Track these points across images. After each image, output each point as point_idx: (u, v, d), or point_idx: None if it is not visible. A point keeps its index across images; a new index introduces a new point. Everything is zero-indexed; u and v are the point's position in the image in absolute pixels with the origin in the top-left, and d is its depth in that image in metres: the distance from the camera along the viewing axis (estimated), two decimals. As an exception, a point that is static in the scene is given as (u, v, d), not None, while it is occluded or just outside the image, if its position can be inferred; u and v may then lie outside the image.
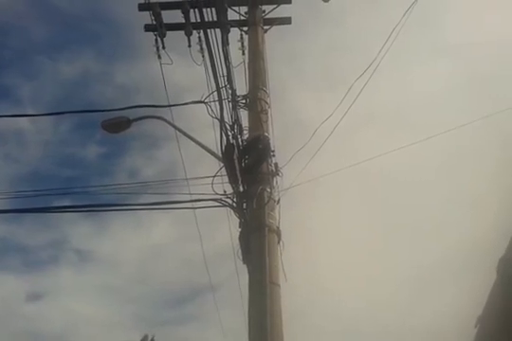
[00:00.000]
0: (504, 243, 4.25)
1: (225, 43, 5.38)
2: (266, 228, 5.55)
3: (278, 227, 5.75)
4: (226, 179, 5.91)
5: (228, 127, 5.80)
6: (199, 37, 6.91)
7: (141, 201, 6.29)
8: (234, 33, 7.53)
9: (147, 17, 6.90)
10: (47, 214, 6.28)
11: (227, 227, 7.13)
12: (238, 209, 5.83)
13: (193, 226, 8.72)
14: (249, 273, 5.48)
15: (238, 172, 5.78)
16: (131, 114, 6.50)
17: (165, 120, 6.63)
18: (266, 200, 5.72)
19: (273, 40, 7.70)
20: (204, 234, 9.15)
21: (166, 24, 7.02)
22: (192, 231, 8.97)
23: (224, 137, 5.64)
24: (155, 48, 7.33)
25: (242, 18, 7.70)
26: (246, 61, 7.18)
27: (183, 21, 6.38)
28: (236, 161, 5.79)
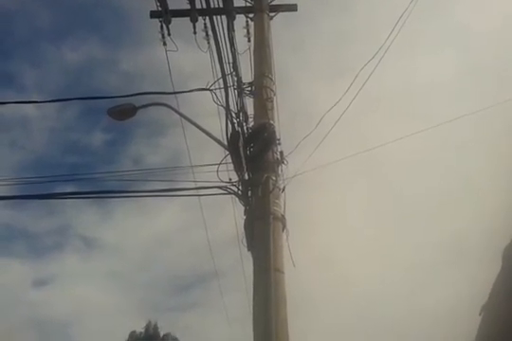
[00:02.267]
0: (510, 232, 4.25)
1: (230, 29, 5.35)
2: (271, 216, 5.56)
3: (283, 215, 5.76)
4: (231, 167, 5.92)
5: (234, 115, 5.79)
6: (205, 24, 6.87)
7: (146, 188, 6.32)
8: (240, 20, 7.47)
9: (152, 3, 6.86)
10: (52, 201, 6.31)
11: (231, 215, 7.16)
12: (243, 197, 5.85)
13: (198, 214, 8.76)
14: (254, 260, 5.51)
15: (243, 160, 5.78)
16: (136, 101, 6.49)
17: (170, 107, 6.61)
18: (271, 188, 5.72)
19: (279, 27, 7.65)
20: (209, 221, 9.20)
21: (171, 10, 6.95)
22: (197, 218, 9.02)
23: (229, 125, 5.64)
24: (160, 35, 7.30)
25: (248, 5, 7.65)
26: (252, 48, 7.13)
27: (188, 7, 6.33)
28: (241, 149, 5.78)
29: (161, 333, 26.55)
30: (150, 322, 26.67)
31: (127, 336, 26.03)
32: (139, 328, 26.37)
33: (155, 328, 26.69)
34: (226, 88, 5.36)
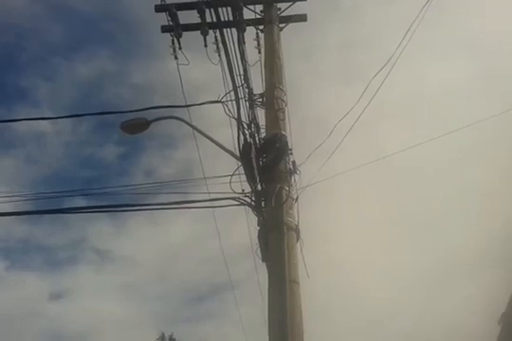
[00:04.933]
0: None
1: (241, 42, 5.39)
2: (285, 226, 5.55)
3: (297, 225, 5.75)
4: (244, 178, 5.93)
5: (246, 126, 5.81)
6: (215, 37, 6.92)
7: (159, 200, 6.34)
8: (250, 32, 7.52)
9: (163, 16, 6.94)
10: (67, 214, 6.36)
11: (245, 226, 7.16)
12: (256, 208, 5.85)
13: (212, 225, 8.77)
14: (269, 271, 5.49)
15: (256, 171, 5.79)
16: (148, 114, 6.55)
17: (183, 120, 6.66)
18: (285, 198, 5.72)
19: (289, 37, 7.68)
20: (222, 232, 9.20)
21: (182, 24, 7.04)
22: (211, 230, 9.02)
23: (241, 136, 5.66)
24: (171, 49, 7.36)
25: (257, 16, 7.70)
26: (263, 59, 7.17)
27: (199, 21, 6.39)
28: (254, 160, 5.80)
29: (177, 345, 26.48)
30: (163, 334, 26.61)
31: (143, 348, 26.00)
32: (154, 339, 26.34)
33: (172, 339, 26.63)
34: (237, 100, 5.39)
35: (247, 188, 5.89)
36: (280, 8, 7.73)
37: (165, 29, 7.40)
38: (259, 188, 5.86)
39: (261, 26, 7.61)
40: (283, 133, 6.26)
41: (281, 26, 7.53)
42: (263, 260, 5.73)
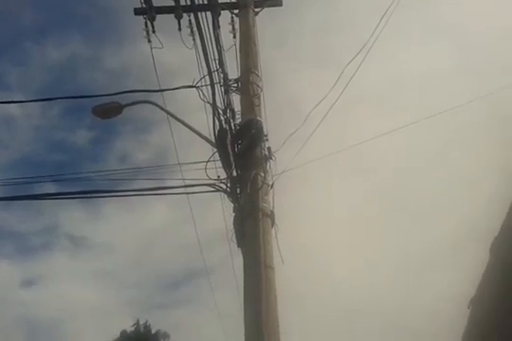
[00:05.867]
0: (497, 225, 4.27)
1: (216, 26, 5.33)
2: (260, 212, 5.56)
3: (272, 211, 5.76)
4: (219, 164, 5.90)
5: (221, 111, 5.77)
6: (189, 20, 6.83)
7: (134, 186, 6.28)
8: (225, 16, 7.43)
9: (136, 0, 6.80)
10: (39, 201, 6.25)
11: (221, 212, 7.14)
12: (232, 194, 5.83)
13: (187, 211, 8.73)
14: (244, 256, 5.50)
15: (231, 157, 5.76)
16: (121, 98, 6.44)
17: (157, 105, 6.57)
18: (260, 184, 5.72)
19: (264, 22, 7.61)
20: (198, 218, 9.17)
21: (156, 7, 6.91)
22: (186, 216, 8.98)
23: (216, 122, 5.61)
24: (144, 32, 7.24)
25: (232, 0, 7.60)
26: (238, 44, 7.10)
27: (173, 4, 6.28)
28: (229, 146, 5.76)
29: (153, 331, 26.49)
30: (138, 321, 26.56)
31: (118, 335, 25.94)
32: (129, 326, 26.29)
33: (146, 326, 26.60)
34: (212, 85, 5.33)
35: (223, 175, 5.87)
36: (255, -7, 7.63)
37: (138, 12, 7.27)
38: (234, 174, 5.84)
39: (236, 11, 7.51)
40: (259, 118, 6.23)
41: (256, 10, 7.45)
42: (238, 246, 5.74)
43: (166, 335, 26.30)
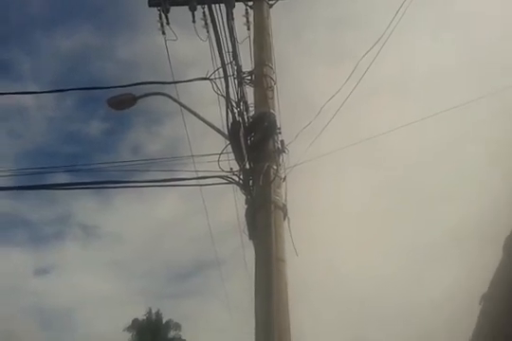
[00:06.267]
0: (510, 223, 4.24)
1: (230, 18, 5.31)
2: (272, 205, 5.56)
3: (284, 204, 5.76)
4: (232, 156, 5.91)
5: (234, 104, 5.76)
6: (204, 12, 6.81)
7: (147, 178, 6.30)
8: (239, 8, 7.41)
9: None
10: (51, 190, 6.29)
11: (233, 204, 7.16)
12: (244, 186, 5.84)
13: (199, 202, 8.77)
14: (255, 249, 5.52)
15: (244, 150, 5.76)
16: (135, 90, 6.46)
17: (170, 97, 6.58)
18: (272, 177, 5.72)
19: (279, 14, 7.57)
20: (210, 210, 9.21)
21: (170, -1, 6.92)
22: (198, 207, 9.03)
23: (229, 114, 5.62)
24: (158, 24, 7.24)
25: (247, -8, 7.57)
26: (252, 36, 7.08)
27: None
28: (242, 138, 5.77)
29: (164, 320, 26.73)
30: (151, 309, 26.83)
31: (130, 323, 26.21)
32: (141, 315, 26.54)
33: (158, 314, 26.85)
34: (226, 77, 5.33)
35: (236, 167, 5.88)
36: (270, -16, 7.59)
37: (152, 3, 7.26)
38: (247, 166, 5.84)
39: (250, 3, 7.48)
40: (272, 111, 6.22)
41: (270, 2, 7.41)
42: (250, 238, 5.76)
43: (177, 326, 26.52)
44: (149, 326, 26.14)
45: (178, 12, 7.15)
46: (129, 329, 26.11)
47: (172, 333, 26.47)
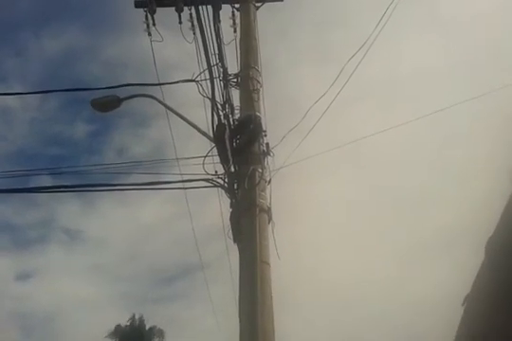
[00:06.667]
0: (493, 224, 4.27)
1: (216, 20, 5.29)
2: (257, 208, 5.55)
3: (269, 207, 5.75)
4: (217, 159, 5.88)
5: (220, 106, 5.74)
6: (190, 14, 6.78)
7: (131, 181, 6.26)
8: (226, 10, 7.39)
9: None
10: (34, 194, 6.22)
11: (217, 207, 7.12)
12: (229, 189, 5.82)
13: (184, 206, 8.71)
14: (240, 252, 5.50)
15: (229, 152, 5.74)
16: (120, 91, 6.42)
17: (156, 99, 6.55)
18: (258, 180, 5.70)
19: (265, 17, 7.56)
20: (194, 213, 9.16)
21: (156, 0, 6.88)
22: (183, 210, 8.98)
23: (215, 117, 5.59)
24: (144, 25, 7.20)
25: (233, -6, 7.55)
26: (238, 38, 7.06)
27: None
28: (227, 141, 5.75)
29: (147, 326, 26.35)
30: (134, 315, 26.45)
31: (112, 329, 25.79)
32: (124, 321, 26.18)
33: (141, 320, 26.50)
34: (211, 79, 5.31)
35: (221, 170, 5.85)
36: (256, -13, 7.58)
37: (138, 4, 7.22)
38: (232, 169, 5.82)
39: (237, 5, 7.47)
40: (258, 114, 6.20)
41: (257, 5, 7.41)
42: (234, 242, 5.73)
43: (161, 332, 26.13)
44: (132, 333, 25.76)
45: (165, 14, 7.12)
46: (111, 335, 25.70)
47: (155, 340, 26.10)
